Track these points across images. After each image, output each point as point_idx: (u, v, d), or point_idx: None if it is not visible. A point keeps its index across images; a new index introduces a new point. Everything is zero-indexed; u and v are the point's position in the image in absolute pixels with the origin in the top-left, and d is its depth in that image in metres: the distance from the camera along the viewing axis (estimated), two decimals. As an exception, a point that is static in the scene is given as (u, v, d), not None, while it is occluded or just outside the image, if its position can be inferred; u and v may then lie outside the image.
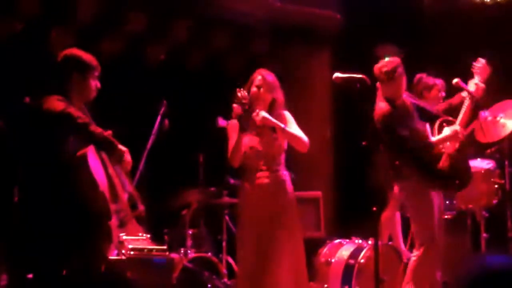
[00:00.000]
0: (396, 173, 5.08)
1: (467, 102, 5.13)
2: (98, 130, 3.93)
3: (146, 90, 6.46)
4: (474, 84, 5.12)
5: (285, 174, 4.69)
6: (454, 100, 5.53)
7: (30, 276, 3.97)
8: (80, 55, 4.12)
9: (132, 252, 4.24)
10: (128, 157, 4.05)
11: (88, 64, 4.11)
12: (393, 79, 4.96)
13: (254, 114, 4.52)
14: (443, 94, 5.69)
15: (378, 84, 5.01)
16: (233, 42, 7.12)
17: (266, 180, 4.62)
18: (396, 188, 5.69)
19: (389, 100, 4.97)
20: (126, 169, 4.13)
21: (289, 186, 4.68)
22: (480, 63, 5.19)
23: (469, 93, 5.14)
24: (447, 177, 4.92)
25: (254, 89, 4.66)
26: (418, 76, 5.69)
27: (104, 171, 4.29)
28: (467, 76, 5.32)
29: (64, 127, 3.90)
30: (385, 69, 4.99)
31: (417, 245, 4.97)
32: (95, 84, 4.15)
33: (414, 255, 4.98)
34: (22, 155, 4.35)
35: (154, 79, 6.65)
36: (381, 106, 4.97)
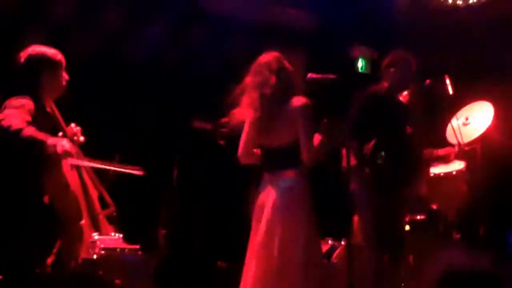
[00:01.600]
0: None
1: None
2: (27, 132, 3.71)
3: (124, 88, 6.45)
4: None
5: None
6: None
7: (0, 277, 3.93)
8: (45, 52, 4.02)
9: (103, 252, 4.22)
10: (64, 146, 3.80)
11: (55, 60, 4.04)
12: None
13: None
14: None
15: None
16: (207, 41, 7.11)
17: None
18: None
19: None
20: (68, 156, 3.90)
21: None
22: None
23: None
24: None
25: None
26: None
27: (76, 170, 4.27)
28: (438, 78, 5.39)
29: None
30: None
31: None
32: (64, 78, 4.09)
33: None
34: None
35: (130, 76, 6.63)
36: None
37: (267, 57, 4.49)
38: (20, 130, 3.66)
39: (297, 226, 4.25)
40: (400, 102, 5.31)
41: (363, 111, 5.05)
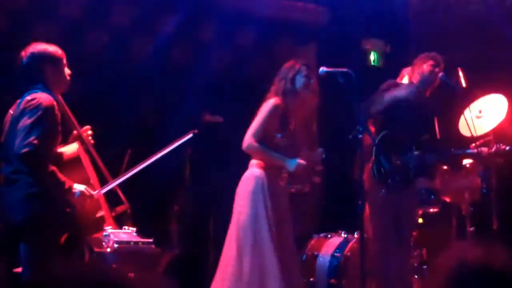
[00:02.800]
0: None
1: None
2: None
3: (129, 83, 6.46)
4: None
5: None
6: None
7: (18, 270, 3.96)
8: (46, 49, 4.03)
9: (117, 245, 4.24)
10: (85, 196, 3.93)
11: (57, 56, 4.04)
12: None
13: None
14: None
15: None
16: (217, 35, 7.11)
17: None
18: None
19: None
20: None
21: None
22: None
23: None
24: None
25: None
26: None
27: (92, 165, 4.31)
28: (451, 70, 5.37)
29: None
30: None
31: None
32: (66, 71, 4.10)
33: None
34: None
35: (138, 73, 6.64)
36: None
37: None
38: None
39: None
40: (429, 101, 5.30)
41: (394, 105, 5.05)
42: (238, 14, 6.94)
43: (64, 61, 4.09)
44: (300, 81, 4.70)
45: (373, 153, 5.05)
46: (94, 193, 3.98)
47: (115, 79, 6.33)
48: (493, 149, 5.40)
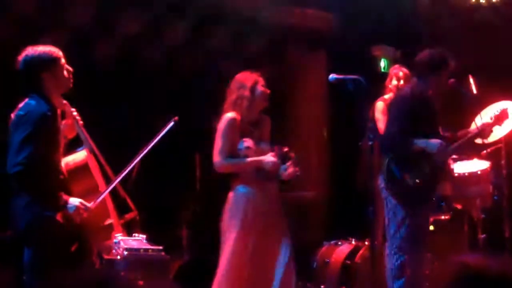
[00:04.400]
0: None
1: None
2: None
3: (140, 91, 6.48)
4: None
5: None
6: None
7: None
8: (40, 52, 3.91)
9: (126, 253, 4.24)
10: (80, 210, 3.90)
11: (52, 57, 3.92)
12: None
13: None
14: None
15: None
16: (228, 43, 7.12)
17: None
18: None
19: None
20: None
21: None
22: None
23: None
24: None
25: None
26: None
27: (101, 172, 4.31)
28: (461, 77, 5.34)
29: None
30: None
31: None
32: (66, 72, 3.99)
33: None
34: None
35: (148, 80, 6.66)
36: None
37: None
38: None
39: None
40: (434, 102, 5.22)
41: (413, 113, 4.97)
42: (248, 21, 6.95)
43: (62, 61, 3.96)
44: (258, 91, 4.67)
45: (387, 170, 4.97)
46: (89, 205, 3.95)
47: (125, 85, 6.34)
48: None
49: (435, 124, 5.11)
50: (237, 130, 4.60)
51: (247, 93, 4.63)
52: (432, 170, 4.94)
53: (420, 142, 4.86)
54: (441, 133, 5.12)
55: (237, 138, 4.59)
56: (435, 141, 4.86)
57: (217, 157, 4.58)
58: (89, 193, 4.07)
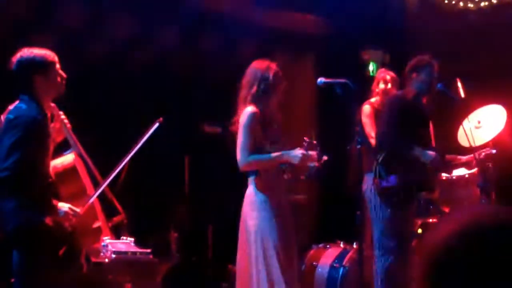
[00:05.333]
0: None
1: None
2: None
3: (129, 94, 6.47)
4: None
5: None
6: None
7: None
8: (35, 54, 3.89)
9: (114, 256, 4.23)
10: (69, 215, 3.91)
11: (46, 61, 3.91)
12: None
13: None
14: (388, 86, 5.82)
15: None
16: (218, 46, 7.14)
17: None
18: None
19: None
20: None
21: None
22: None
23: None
24: None
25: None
26: None
27: (89, 175, 4.31)
28: (450, 81, 5.37)
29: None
30: None
31: None
32: (59, 77, 3.97)
33: None
34: None
35: (137, 83, 6.66)
36: None
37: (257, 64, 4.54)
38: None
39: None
40: (426, 107, 5.28)
41: (399, 117, 5.01)
42: (237, 24, 6.96)
43: (57, 65, 3.95)
44: (279, 82, 4.46)
45: (376, 170, 5.03)
46: (78, 210, 3.93)
47: (113, 88, 6.34)
48: (482, 155, 5.41)
49: (427, 130, 5.17)
50: (258, 126, 4.35)
51: (263, 86, 4.40)
52: (422, 176, 4.99)
53: (417, 150, 4.92)
54: (433, 144, 5.19)
55: (259, 134, 4.35)
56: (431, 153, 4.94)
57: (240, 155, 4.29)
58: (77, 196, 4.07)
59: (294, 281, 4.40)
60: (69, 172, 4.10)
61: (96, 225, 4.20)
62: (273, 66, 4.48)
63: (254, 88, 4.40)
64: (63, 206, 3.87)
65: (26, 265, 3.82)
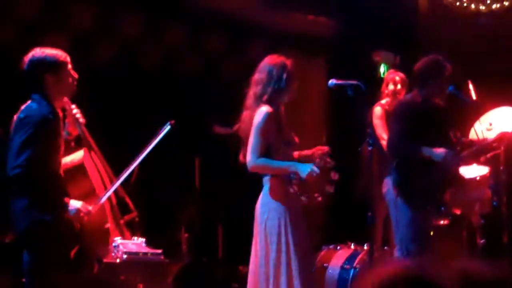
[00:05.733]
0: None
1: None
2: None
3: (141, 95, 6.50)
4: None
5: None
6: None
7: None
8: (46, 54, 3.90)
9: (126, 256, 4.24)
10: (81, 213, 3.91)
11: (58, 61, 3.92)
12: None
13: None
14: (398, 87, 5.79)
15: None
16: (228, 47, 7.15)
17: None
18: None
19: None
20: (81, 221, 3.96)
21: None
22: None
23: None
24: None
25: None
26: None
27: (99, 175, 4.32)
28: (460, 83, 5.36)
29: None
30: None
31: None
32: (71, 78, 3.98)
33: None
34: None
35: (149, 84, 6.68)
36: None
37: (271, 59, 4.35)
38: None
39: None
40: (440, 107, 5.21)
41: (406, 123, 4.99)
42: (248, 27, 6.97)
43: (68, 66, 3.96)
44: (293, 81, 4.29)
45: (396, 171, 5.00)
46: (90, 208, 3.94)
47: (123, 89, 6.36)
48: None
49: (443, 130, 5.12)
50: (273, 126, 4.19)
51: (277, 84, 4.22)
52: (440, 175, 4.96)
53: (425, 150, 4.88)
54: (454, 138, 5.14)
55: (274, 135, 4.19)
56: (440, 151, 4.88)
57: (250, 156, 4.14)
58: (86, 194, 4.07)
59: (311, 283, 4.35)
60: (77, 169, 4.10)
61: (107, 226, 4.21)
62: (288, 63, 4.30)
63: (270, 88, 4.22)
64: (76, 203, 3.88)
65: (36, 265, 3.82)
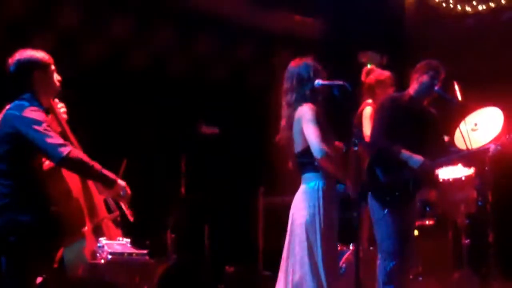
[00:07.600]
0: None
1: None
2: (97, 166, 3.87)
3: (129, 95, 6.49)
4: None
5: None
6: None
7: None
8: (32, 55, 3.93)
9: (111, 257, 4.22)
10: (128, 191, 4.02)
11: (44, 62, 3.94)
12: None
13: None
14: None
15: None
16: (217, 48, 7.15)
17: None
18: None
19: None
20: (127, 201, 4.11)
21: None
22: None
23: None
24: None
25: None
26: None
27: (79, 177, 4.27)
28: (446, 83, 5.37)
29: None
30: None
31: None
32: (56, 77, 4.01)
33: None
34: None
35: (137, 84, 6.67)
36: None
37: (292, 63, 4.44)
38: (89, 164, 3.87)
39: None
40: (426, 109, 5.24)
41: (388, 119, 5.01)
42: (236, 27, 6.97)
43: (53, 67, 3.99)
44: (317, 76, 4.38)
45: (369, 168, 5.04)
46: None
47: (111, 90, 6.35)
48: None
49: (426, 132, 5.13)
50: (320, 122, 4.24)
51: (313, 81, 4.32)
52: (409, 174, 4.97)
53: (404, 155, 4.89)
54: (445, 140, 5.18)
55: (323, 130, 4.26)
56: (418, 158, 4.89)
57: (319, 145, 4.15)
58: (61, 194, 4.04)
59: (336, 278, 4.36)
60: (53, 169, 4.07)
61: (84, 229, 4.17)
62: (310, 61, 4.42)
63: (303, 90, 4.33)
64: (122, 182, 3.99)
65: (12, 269, 3.73)
